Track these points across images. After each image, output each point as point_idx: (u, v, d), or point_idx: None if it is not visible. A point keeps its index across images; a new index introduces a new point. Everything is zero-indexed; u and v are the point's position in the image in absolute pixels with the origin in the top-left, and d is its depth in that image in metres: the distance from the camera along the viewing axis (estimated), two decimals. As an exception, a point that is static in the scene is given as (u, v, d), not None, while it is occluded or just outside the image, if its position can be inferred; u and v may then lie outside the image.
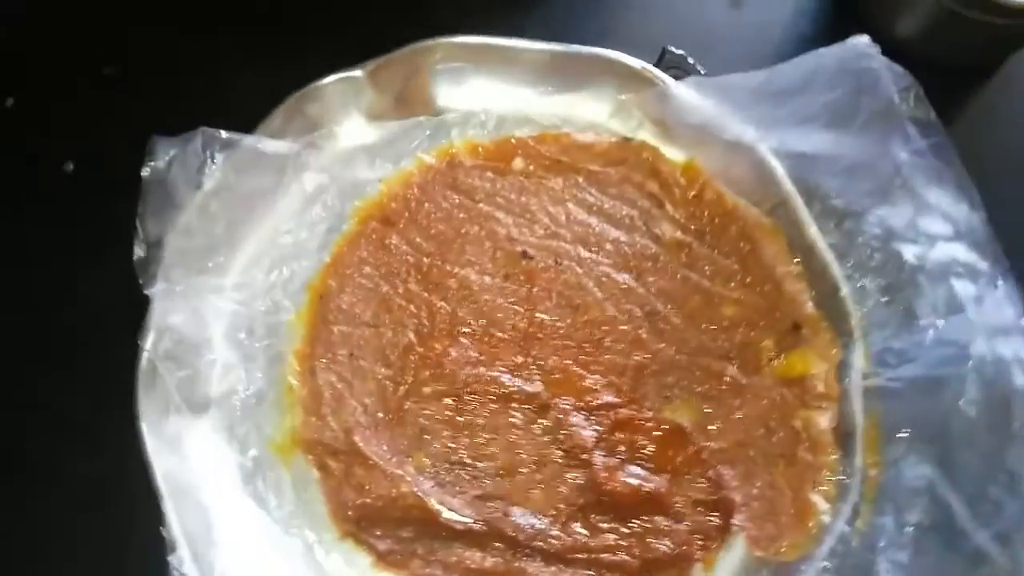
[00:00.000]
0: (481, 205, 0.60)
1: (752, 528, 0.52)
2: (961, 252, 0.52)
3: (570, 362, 0.57)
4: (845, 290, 0.55)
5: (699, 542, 0.53)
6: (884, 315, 0.54)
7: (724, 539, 0.53)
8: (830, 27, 0.69)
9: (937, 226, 0.53)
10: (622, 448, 0.55)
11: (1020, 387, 0.47)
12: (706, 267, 0.58)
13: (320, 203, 0.60)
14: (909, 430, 0.50)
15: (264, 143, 0.58)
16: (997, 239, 0.51)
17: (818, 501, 0.52)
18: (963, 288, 0.51)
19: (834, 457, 0.53)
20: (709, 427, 0.55)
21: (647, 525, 0.53)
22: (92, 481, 0.55)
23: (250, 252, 0.58)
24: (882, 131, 0.51)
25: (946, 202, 0.53)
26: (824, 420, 0.53)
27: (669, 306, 0.58)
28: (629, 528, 0.53)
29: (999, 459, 0.47)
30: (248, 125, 0.57)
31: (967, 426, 0.48)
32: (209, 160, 0.54)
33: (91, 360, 0.57)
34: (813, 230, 0.56)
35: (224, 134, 0.55)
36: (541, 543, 0.53)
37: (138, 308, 0.53)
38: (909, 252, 0.53)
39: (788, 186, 0.56)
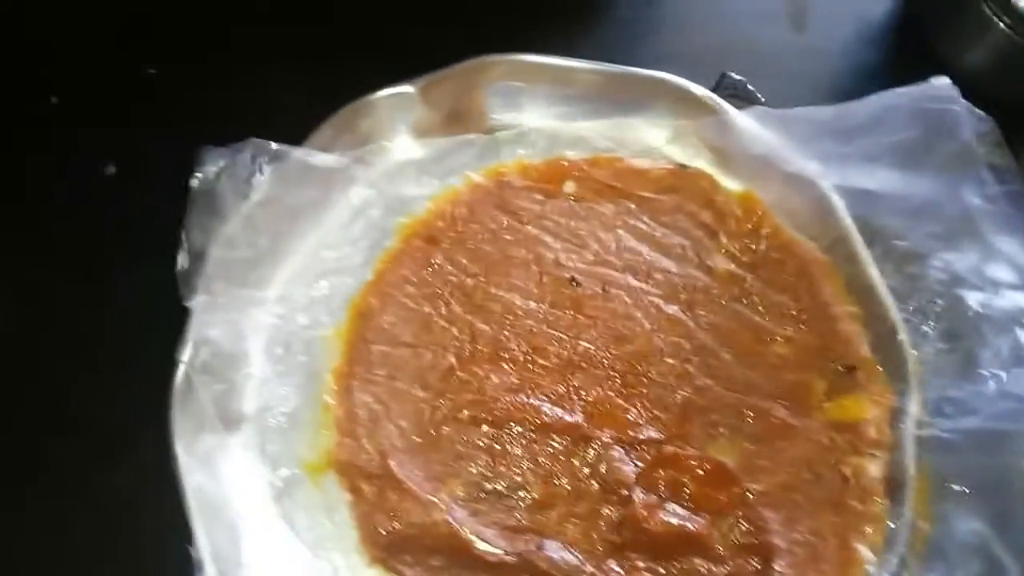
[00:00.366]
0: (529, 228, 0.59)
1: (793, 574, 0.50)
2: None
3: (613, 394, 0.55)
4: (903, 335, 0.53)
5: (739, 593, 0.51)
6: (943, 363, 0.52)
7: (768, 588, 0.51)
8: (894, 56, 0.67)
9: (1004, 274, 0.51)
10: (663, 485, 0.53)
11: None
12: (759, 302, 0.57)
13: (365, 218, 0.59)
14: (964, 483, 0.48)
15: (313, 156, 0.57)
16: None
17: (864, 551, 0.50)
18: None
19: (883, 507, 0.50)
20: (754, 468, 0.53)
21: (685, 567, 0.51)
22: (120, 494, 0.54)
23: (293, 266, 0.58)
24: (955, 174, 0.50)
25: (1015, 250, 0.51)
26: (875, 468, 0.51)
27: (718, 341, 0.56)
28: (666, 569, 0.51)
29: None
30: (297, 138, 0.57)
31: None
32: (257, 172, 0.54)
33: (125, 370, 0.56)
34: (873, 270, 0.54)
35: (274, 146, 0.55)
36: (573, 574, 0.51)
37: (175, 319, 0.52)
38: (973, 299, 0.51)
39: (848, 222, 0.55)
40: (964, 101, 0.50)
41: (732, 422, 0.54)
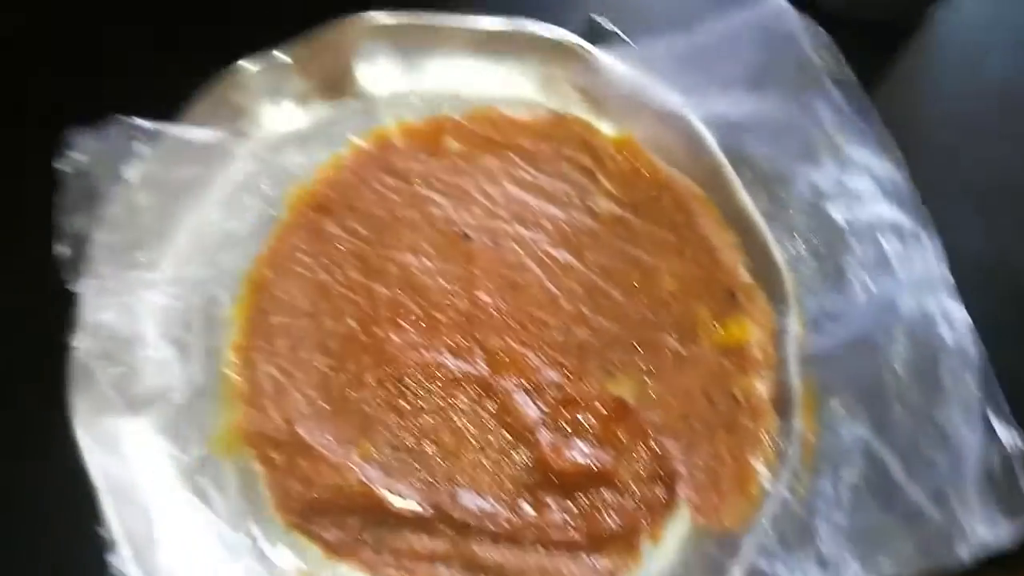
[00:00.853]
0: (417, 188, 0.60)
1: (696, 498, 0.53)
2: (887, 210, 0.53)
3: (513, 342, 0.56)
4: (778, 256, 0.55)
5: (646, 515, 0.53)
6: (817, 279, 0.54)
7: (670, 511, 0.53)
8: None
9: (863, 185, 0.53)
10: (567, 425, 0.55)
11: (946, 341, 0.48)
12: (644, 240, 0.59)
13: (252, 192, 0.59)
14: (844, 392, 0.51)
15: (188, 132, 0.56)
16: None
17: (758, 467, 0.52)
18: (891, 246, 0.52)
19: (773, 423, 0.53)
20: (652, 400, 0.55)
21: (595, 501, 0.53)
22: (25, 482, 0.53)
23: (182, 245, 0.57)
24: (805, 92, 0.52)
25: (871, 161, 0.54)
26: (763, 387, 0.54)
27: (608, 281, 0.58)
28: (576, 505, 0.53)
29: (929, 416, 0.48)
30: (170, 115, 0.56)
31: (898, 384, 0.49)
32: (131, 152, 0.53)
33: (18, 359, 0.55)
34: (744, 196, 0.56)
35: (145, 124, 0.53)
36: (490, 525, 0.53)
37: (62, 305, 0.51)
38: (837, 213, 0.54)
39: (717, 153, 0.57)
40: (799, 17, 0.52)
41: (628, 358, 0.56)
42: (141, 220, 0.54)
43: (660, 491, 0.53)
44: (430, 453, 0.54)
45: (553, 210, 0.59)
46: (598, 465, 0.53)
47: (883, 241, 0.52)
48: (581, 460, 0.53)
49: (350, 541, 0.52)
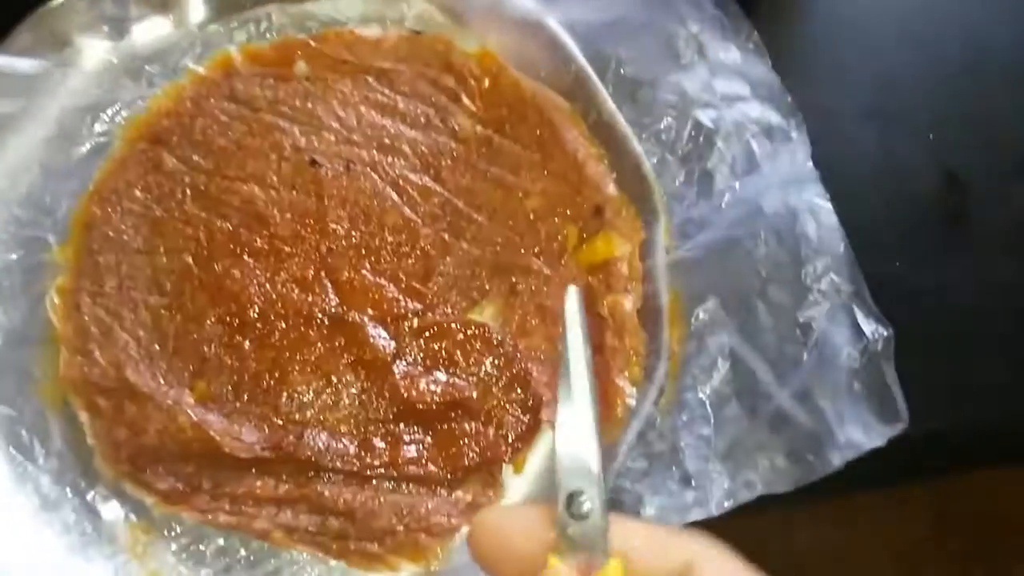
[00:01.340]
0: (263, 115, 0.55)
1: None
2: (757, 111, 0.49)
3: (367, 272, 0.52)
4: (646, 165, 0.51)
5: (509, 444, 0.49)
6: (685, 186, 0.51)
7: (534, 438, 0.49)
8: None
9: (731, 87, 0.50)
10: (424, 356, 0.51)
11: (808, 234, 0.44)
12: (508, 160, 0.54)
13: (80, 127, 0.54)
14: (711, 299, 0.47)
15: (8, 63, 0.52)
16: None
17: (624, 385, 0.48)
18: (760, 146, 0.48)
19: (640, 340, 0.49)
20: (516, 326, 0.51)
21: (453, 433, 0.49)
22: None
23: (1, 184, 0.52)
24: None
25: (738, 62, 0.50)
26: (629, 303, 0.50)
27: (472, 204, 0.54)
28: (434, 438, 0.49)
29: (792, 315, 0.44)
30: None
31: (763, 286, 0.45)
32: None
33: None
34: (610, 105, 0.52)
35: None
36: (338, 463, 0.48)
37: None
38: (706, 117, 0.50)
39: (580, 60, 0.53)
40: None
41: (491, 284, 0.52)
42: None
43: (523, 418, 0.49)
44: (274, 392, 0.50)
45: (412, 133, 0.55)
46: (456, 395, 0.49)
47: (752, 142, 0.48)
48: (437, 390, 0.49)
49: (184, 489, 0.48)
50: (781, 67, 0.50)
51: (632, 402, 0.48)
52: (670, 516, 0.44)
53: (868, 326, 0.43)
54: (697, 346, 0.47)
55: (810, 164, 0.46)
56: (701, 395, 0.45)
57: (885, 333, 0.43)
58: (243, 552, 0.49)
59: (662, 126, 0.51)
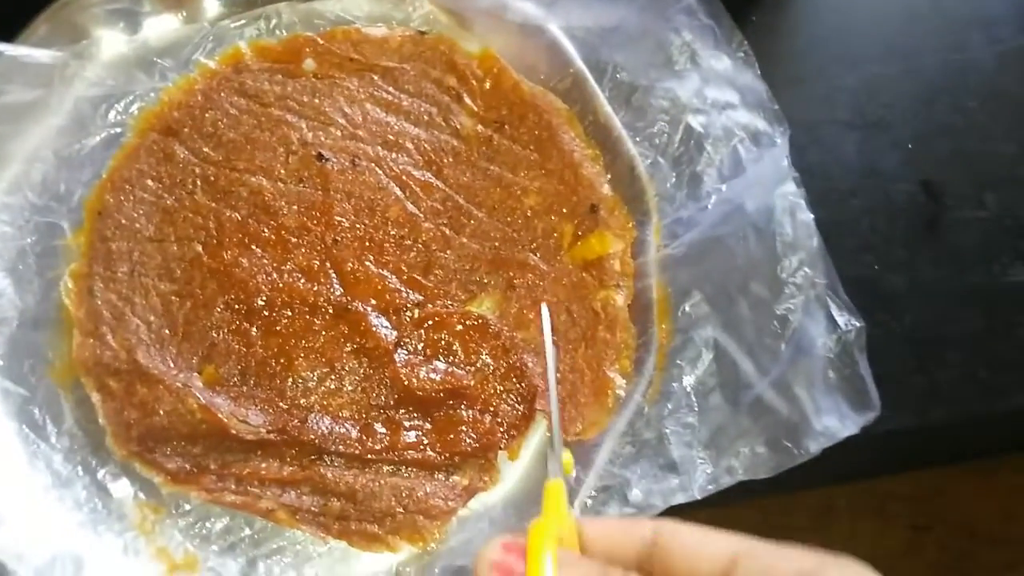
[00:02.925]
0: (272, 110, 0.56)
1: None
2: (746, 118, 0.51)
3: (371, 264, 0.54)
4: (640, 167, 0.53)
5: (504, 432, 0.50)
6: (675, 188, 0.52)
7: (528, 426, 0.51)
8: None
9: (722, 94, 0.51)
10: (424, 345, 0.52)
11: (785, 233, 0.46)
12: (507, 159, 0.56)
13: (95, 116, 0.55)
14: (696, 294, 0.49)
15: (27, 53, 0.52)
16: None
17: (614, 377, 0.50)
18: (746, 151, 0.50)
19: (630, 334, 0.51)
20: (513, 318, 0.53)
21: (451, 420, 0.51)
22: None
23: (17, 170, 0.53)
24: (662, 1, 0.50)
25: (729, 71, 0.52)
26: (621, 299, 0.52)
27: (471, 200, 0.55)
28: (433, 425, 0.51)
29: (771, 308, 0.46)
30: (9, 35, 0.52)
31: (744, 280, 0.47)
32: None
33: None
34: (607, 109, 0.54)
35: None
36: (341, 446, 0.50)
37: None
38: (696, 122, 0.52)
39: (579, 65, 0.54)
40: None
41: (489, 277, 0.54)
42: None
43: (518, 407, 0.51)
44: (280, 377, 0.51)
45: (415, 130, 0.57)
46: (454, 384, 0.51)
47: (740, 148, 0.50)
48: (437, 378, 0.51)
49: (192, 469, 0.49)
50: (768, 78, 0.52)
51: (621, 393, 0.50)
52: (655, 500, 0.46)
53: (841, 318, 0.45)
54: (683, 339, 0.49)
55: (786, 163, 0.48)
56: (686, 385, 0.47)
57: (858, 324, 0.45)
58: (248, 531, 0.50)
59: (655, 130, 0.53)
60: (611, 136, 0.54)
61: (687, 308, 0.49)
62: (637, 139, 0.53)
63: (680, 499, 0.45)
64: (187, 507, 0.49)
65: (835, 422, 0.42)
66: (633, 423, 0.47)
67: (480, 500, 0.50)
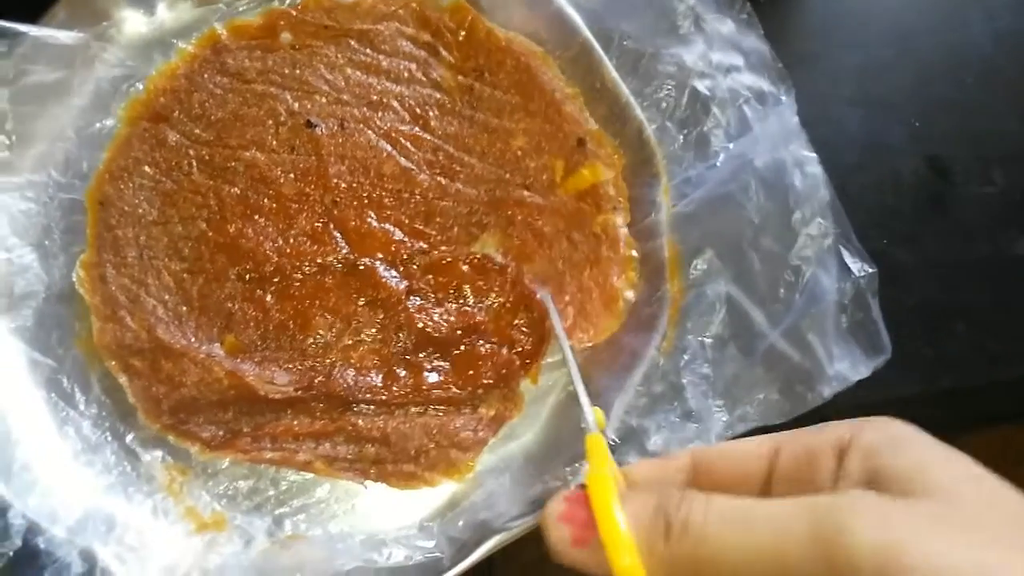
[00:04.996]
0: (255, 85, 0.56)
1: (568, 330, 0.51)
2: (751, 79, 0.51)
3: (372, 220, 0.54)
4: (648, 131, 0.53)
5: (522, 359, 0.51)
6: (683, 150, 0.52)
7: (544, 349, 0.52)
8: None
9: (728, 58, 0.51)
10: (435, 290, 0.53)
11: (795, 184, 0.46)
12: (490, 105, 0.56)
13: (116, 97, 0.55)
14: (708, 250, 0.49)
15: (50, 34, 0.52)
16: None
17: (621, 285, 0.51)
18: (752, 111, 0.50)
19: (633, 248, 0.52)
20: (518, 253, 0.54)
21: (470, 356, 0.51)
22: None
23: (42, 149, 0.53)
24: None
25: (733, 34, 0.51)
26: (619, 218, 0.53)
27: (461, 149, 0.56)
28: (452, 364, 0.51)
29: (783, 260, 0.46)
30: (31, 17, 0.52)
31: (755, 234, 0.47)
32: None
33: None
34: (613, 75, 0.54)
35: (3, 23, 0.50)
36: (367, 395, 0.50)
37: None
38: (702, 85, 0.51)
39: (586, 34, 0.54)
40: None
41: (488, 219, 0.54)
42: (-1, 123, 0.50)
43: (531, 333, 0.51)
44: (300, 338, 0.51)
45: (397, 88, 0.57)
46: (468, 322, 0.51)
47: (745, 108, 0.50)
48: (451, 318, 0.51)
49: (226, 434, 0.49)
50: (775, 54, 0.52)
51: (630, 296, 0.51)
52: (673, 447, 0.46)
53: (855, 264, 0.45)
54: (696, 295, 0.49)
55: (795, 119, 0.48)
56: (699, 339, 0.47)
57: (871, 270, 0.45)
58: (273, 491, 0.50)
59: (662, 95, 0.53)
60: (619, 102, 0.54)
61: (699, 264, 0.49)
62: (645, 104, 0.53)
63: (698, 446, 0.45)
64: (212, 469, 0.50)
65: (847, 367, 0.43)
66: (649, 376, 0.48)
67: (499, 454, 0.51)
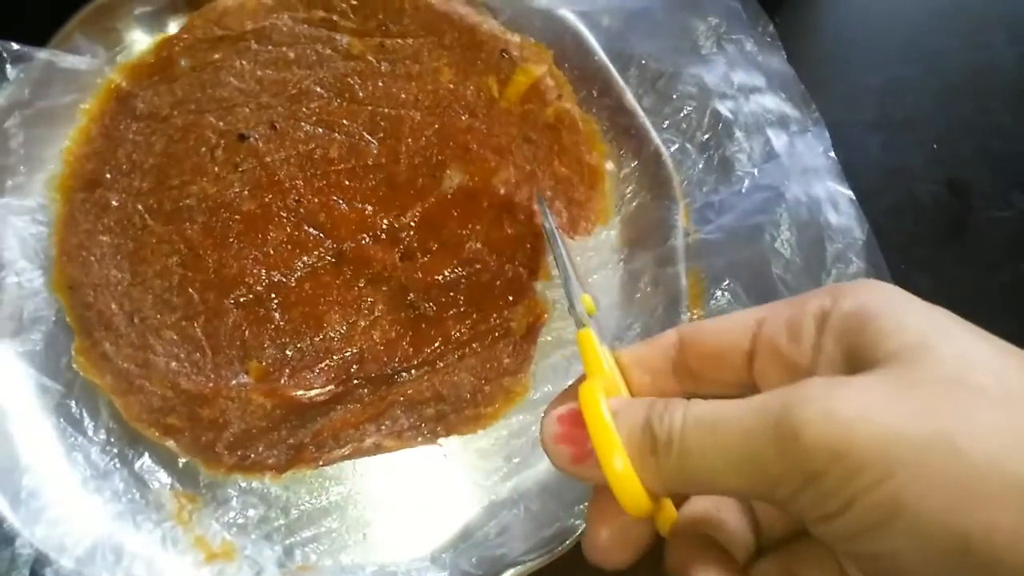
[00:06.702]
0: (174, 120, 0.54)
1: (560, 222, 0.52)
2: (774, 102, 0.50)
3: (341, 204, 0.53)
4: (666, 153, 0.52)
5: (527, 268, 0.51)
6: (704, 173, 0.51)
7: (542, 247, 0.51)
8: None
9: (750, 79, 0.50)
10: (426, 242, 0.52)
11: (831, 222, 0.46)
12: (405, 54, 0.55)
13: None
14: (730, 280, 0.48)
15: (60, 58, 0.51)
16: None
17: (595, 161, 0.51)
18: (777, 136, 0.49)
19: (592, 120, 0.52)
20: (488, 176, 0.53)
21: (480, 286, 0.51)
22: None
23: (53, 172, 0.52)
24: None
25: (756, 55, 0.50)
26: (568, 103, 0.52)
27: (395, 105, 0.55)
28: (466, 301, 0.51)
29: None
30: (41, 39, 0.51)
31: (783, 267, 0.46)
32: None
33: None
34: (630, 98, 0.52)
35: (15, 46, 0.49)
36: (404, 363, 0.50)
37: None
38: (724, 107, 0.50)
39: (603, 56, 0.53)
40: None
41: (448, 156, 0.54)
42: (10, 145, 0.49)
43: (527, 241, 0.51)
44: (318, 338, 0.50)
45: (312, 72, 0.55)
46: (466, 257, 0.51)
47: (769, 131, 0.49)
48: (446, 260, 0.51)
49: (290, 451, 0.48)
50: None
51: (611, 167, 0.51)
52: None
53: None
54: None
55: (831, 154, 0.47)
56: None
57: None
58: (282, 520, 0.48)
59: (682, 116, 0.52)
60: (635, 122, 0.52)
61: (720, 294, 0.48)
62: (664, 125, 0.52)
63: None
64: (222, 497, 0.48)
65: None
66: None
67: (513, 485, 0.49)
